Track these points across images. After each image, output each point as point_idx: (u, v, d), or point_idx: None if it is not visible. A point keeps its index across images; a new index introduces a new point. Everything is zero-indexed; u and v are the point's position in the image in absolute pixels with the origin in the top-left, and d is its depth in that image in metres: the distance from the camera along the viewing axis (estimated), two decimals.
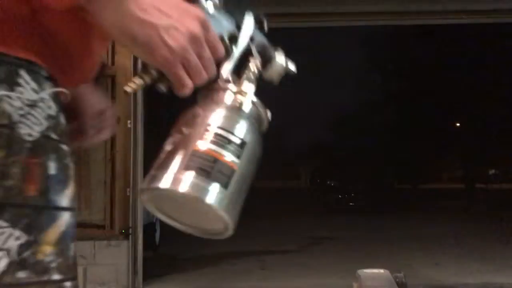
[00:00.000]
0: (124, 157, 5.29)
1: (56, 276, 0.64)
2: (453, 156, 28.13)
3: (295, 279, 6.32)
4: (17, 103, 0.64)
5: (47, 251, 0.63)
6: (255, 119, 0.70)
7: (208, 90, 0.71)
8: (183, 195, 0.63)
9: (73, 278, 0.68)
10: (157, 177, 0.64)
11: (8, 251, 0.59)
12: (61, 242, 0.65)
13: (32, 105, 0.65)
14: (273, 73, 0.76)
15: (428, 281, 6.08)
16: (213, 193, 0.63)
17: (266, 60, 0.76)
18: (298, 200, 26.92)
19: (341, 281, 5.78)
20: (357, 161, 29.88)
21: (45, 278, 0.62)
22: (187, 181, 0.63)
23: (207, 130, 0.65)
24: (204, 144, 0.64)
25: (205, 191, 0.62)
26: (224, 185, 0.63)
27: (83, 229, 4.88)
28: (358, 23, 6.29)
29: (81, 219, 4.80)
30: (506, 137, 22.27)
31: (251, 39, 0.74)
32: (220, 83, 0.71)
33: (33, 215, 0.62)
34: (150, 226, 7.82)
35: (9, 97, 0.63)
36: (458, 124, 27.38)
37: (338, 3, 5.43)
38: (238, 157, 0.65)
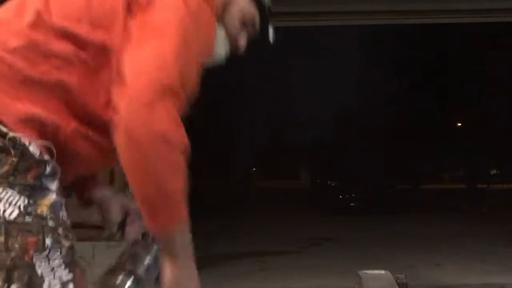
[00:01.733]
0: None
1: (51, 223, 1.03)
2: (455, 156, 28.09)
3: (296, 280, 6.30)
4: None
5: (43, 210, 1.02)
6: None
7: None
8: None
9: (66, 229, 1.06)
10: None
11: (19, 207, 1.00)
12: (52, 208, 1.04)
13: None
14: None
15: (430, 282, 6.07)
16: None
17: None
18: (298, 200, 26.89)
19: (342, 282, 5.76)
20: (358, 161, 29.83)
21: (43, 222, 1.01)
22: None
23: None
24: None
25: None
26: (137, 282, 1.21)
27: (82, 229, 4.83)
28: (360, 22, 6.29)
29: (80, 219, 4.76)
30: (508, 137, 22.21)
31: None
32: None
33: (31, 191, 1.02)
34: None
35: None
36: (459, 124, 27.34)
37: (340, 2, 5.43)
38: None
